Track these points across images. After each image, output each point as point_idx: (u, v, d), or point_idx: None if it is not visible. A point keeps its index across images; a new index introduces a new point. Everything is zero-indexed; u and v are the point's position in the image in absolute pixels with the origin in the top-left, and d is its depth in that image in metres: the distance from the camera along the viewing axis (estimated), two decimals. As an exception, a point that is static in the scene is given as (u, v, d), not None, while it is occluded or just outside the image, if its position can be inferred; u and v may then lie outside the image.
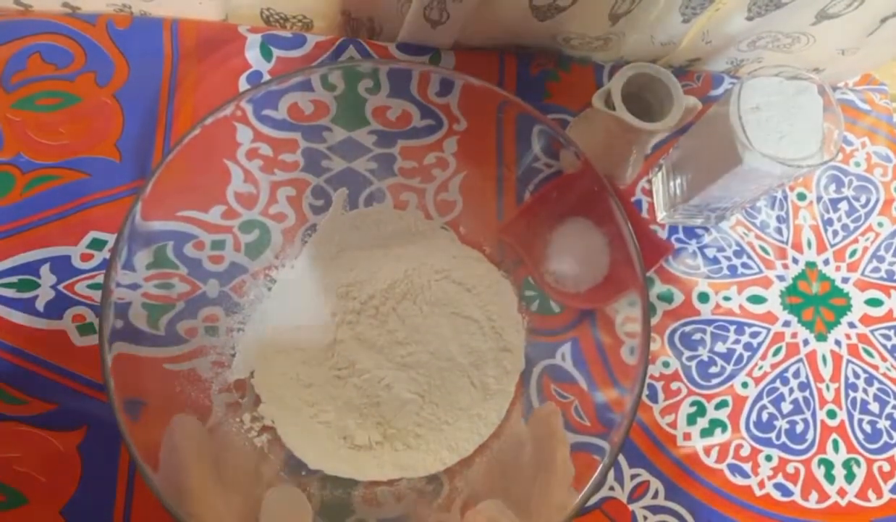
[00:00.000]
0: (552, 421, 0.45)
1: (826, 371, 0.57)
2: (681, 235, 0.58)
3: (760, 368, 0.55)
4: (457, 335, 0.49)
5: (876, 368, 0.58)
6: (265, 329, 0.49)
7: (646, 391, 0.53)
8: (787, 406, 0.55)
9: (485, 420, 0.49)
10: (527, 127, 0.50)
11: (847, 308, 0.59)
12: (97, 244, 0.48)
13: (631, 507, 0.50)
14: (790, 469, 0.53)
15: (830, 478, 0.54)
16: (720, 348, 0.55)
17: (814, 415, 0.55)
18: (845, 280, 0.60)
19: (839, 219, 0.61)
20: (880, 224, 0.62)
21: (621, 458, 0.51)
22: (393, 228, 0.53)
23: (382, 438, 0.48)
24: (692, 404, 0.53)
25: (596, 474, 0.40)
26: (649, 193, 0.58)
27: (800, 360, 0.56)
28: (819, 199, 0.61)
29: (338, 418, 0.48)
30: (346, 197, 0.52)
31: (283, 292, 0.50)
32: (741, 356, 0.55)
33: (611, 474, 0.51)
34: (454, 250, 0.53)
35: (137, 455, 0.36)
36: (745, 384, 0.55)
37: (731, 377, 0.55)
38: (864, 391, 0.57)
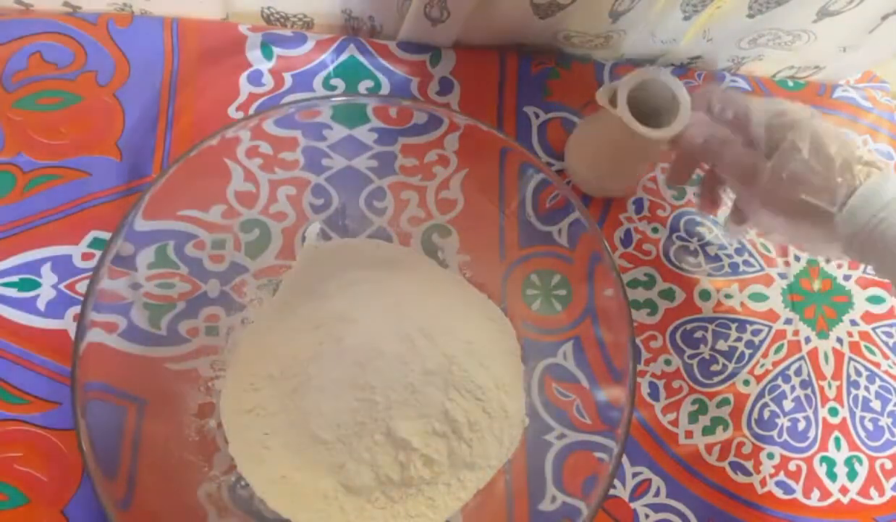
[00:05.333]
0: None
1: (828, 369, 0.56)
2: (681, 232, 0.58)
3: (762, 366, 0.55)
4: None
5: (878, 365, 0.58)
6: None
7: (647, 390, 0.53)
8: (788, 404, 0.55)
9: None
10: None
11: (849, 306, 0.59)
12: (98, 244, 0.48)
13: (633, 505, 0.50)
14: (792, 466, 0.53)
15: (832, 476, 0.54)
16: (721, 346, 0.55)
17: (815, 413, 0.55)
18: (847, 278, 0.60)
19: (841, 216, 0.61)
20: (882, 222, 0.62)
21: (623, 456, 0.51)
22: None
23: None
24: (694, 402, 0.53)
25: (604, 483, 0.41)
26: (650, 191, 0.58)
27: (801, 358, 0.56)
28: (820, 196, 0.61)
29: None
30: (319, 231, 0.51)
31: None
32: (743, 353, 0.55)
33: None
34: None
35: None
36: (746, 382, 0.55)
37: (733, 375, 0.55)
38: (866, 388, 0.57)
